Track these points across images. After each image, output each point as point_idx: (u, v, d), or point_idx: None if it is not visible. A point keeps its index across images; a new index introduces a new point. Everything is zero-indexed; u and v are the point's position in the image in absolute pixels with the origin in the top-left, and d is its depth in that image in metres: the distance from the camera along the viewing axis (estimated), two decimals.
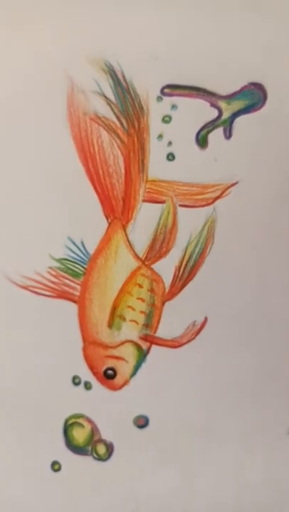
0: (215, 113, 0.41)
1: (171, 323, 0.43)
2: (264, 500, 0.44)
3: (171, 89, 0.41)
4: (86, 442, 0.44)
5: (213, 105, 0.41)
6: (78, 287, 0.42)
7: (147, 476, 0.44)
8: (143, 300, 0.42)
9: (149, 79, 0.41)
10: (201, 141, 0.41)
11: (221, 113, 0.41)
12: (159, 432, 0.43)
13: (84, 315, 0.42)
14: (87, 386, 0.43)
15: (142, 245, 0.42)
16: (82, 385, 0.43)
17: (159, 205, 0.42)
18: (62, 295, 0.42)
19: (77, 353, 0.43)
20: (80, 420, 0.43)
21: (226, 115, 0.41)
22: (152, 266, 0.42)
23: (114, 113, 0.41)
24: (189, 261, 0.42)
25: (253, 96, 0.41)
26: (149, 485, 0.44)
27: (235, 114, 0.41)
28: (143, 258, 0.42)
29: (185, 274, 0.42)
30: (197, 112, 0.41)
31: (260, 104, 0.41)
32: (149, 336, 0.43)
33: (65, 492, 0.44)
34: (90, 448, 0.44)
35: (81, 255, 0.42)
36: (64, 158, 0.41)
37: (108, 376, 0.43)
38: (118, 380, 0.43)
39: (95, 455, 0.44)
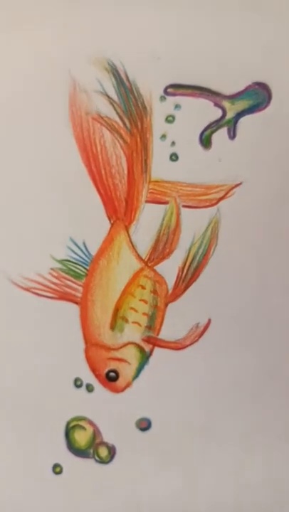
0: (219, 113, 0.41)
1: (174, 325, 0.42)
2: (264, 500, 0.44)
3: (175, 88, 0.41)
4: (88, 445, 0.43)
5: (217, 105, 0.41)
6: (80, 289, 0.42)
7: (149, 478, 0.44)
8: (146, 302, 0.42)
9: (152, 79, 0.40)
10: (205, 141, 0.41)
11: (225, 113, 0.41)
12: (161, 434, 0.43)
13: (86, 317, 0.42)
14: (89, 388, 0.43)
15: (144, 246, 0.42)
16: (84, 387, 0.43)
17: (162, 206, 0.42)
18: (64, 296, 0.42)
19: (79, 355, 0.42)
20: (82, 423, 0.43)
21: (230, 115, 0.41)
22: (155, 267, 0.42)
23: (117, 113, 0.41)
24: (193, 262, 0.42)
25: (258, 96, 0.41)
26: (151, 488, 0.44)
27: (240, 114, 0.41)
28: (146, 259, 0.42)
29: (188, 276, 0.42)
30: (201, 111, 0.41)
31: (265, 104, 0.41)
32: (151, 338, 0.43)
33: (66, 495, 0.44)
34: (91, 451, 0.43)
35: (83, 256, 0.42)
36: (66, 159, 0.41)
37: (110, 378, 0.43)
38: (120, 382, 0.43)
39: (96, 458, 0.44)
